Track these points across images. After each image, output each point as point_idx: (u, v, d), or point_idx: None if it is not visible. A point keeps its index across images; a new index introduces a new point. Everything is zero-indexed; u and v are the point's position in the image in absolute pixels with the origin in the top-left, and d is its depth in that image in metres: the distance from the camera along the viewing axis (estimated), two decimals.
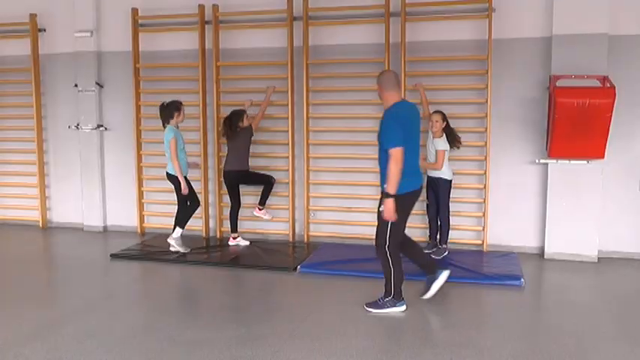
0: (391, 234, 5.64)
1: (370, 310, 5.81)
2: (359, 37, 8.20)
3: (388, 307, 5.78)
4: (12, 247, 8.71)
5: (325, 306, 5.97)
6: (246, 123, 8.02)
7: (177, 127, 7.85)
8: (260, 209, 8.33)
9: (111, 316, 5.80)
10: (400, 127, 5.46)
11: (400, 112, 5.60)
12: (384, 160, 5.56)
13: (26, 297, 6.33)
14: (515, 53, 7.72)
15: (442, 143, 7.39)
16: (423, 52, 7.96)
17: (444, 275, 6.00)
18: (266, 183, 8.25)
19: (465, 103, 7.93)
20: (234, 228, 8.30)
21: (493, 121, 7.74)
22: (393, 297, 5.80)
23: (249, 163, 8.21)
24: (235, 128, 7.96)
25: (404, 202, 5.59)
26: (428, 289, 5.99)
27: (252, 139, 8.22)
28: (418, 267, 6.15)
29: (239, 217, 8.35)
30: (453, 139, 7.48)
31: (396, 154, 5.39)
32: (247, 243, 8.30)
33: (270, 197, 8.42)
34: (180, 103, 7.86)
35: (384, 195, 5.50)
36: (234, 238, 8.30)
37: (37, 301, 6.23)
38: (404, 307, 5.78)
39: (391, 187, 5.42)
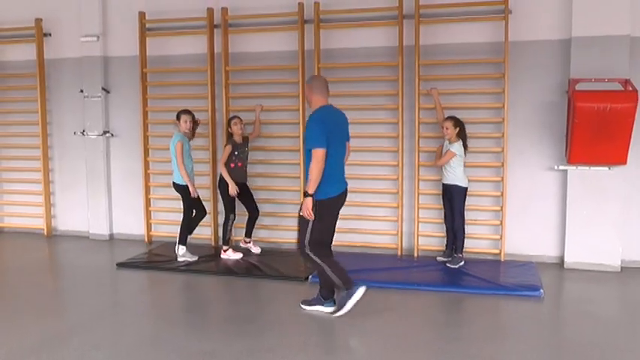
0: (311, 235, 5.81)
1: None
2: (372, 40, 8.21)
3: (345, 300, 5.75)
4: (16, 256, 8.76)
5: (336, 318, 5.92)
6: (231, 130, 8.04)
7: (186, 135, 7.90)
8: (247, 242, 8.42)
9: (117, 328, 5.82)
10: (323, 130, 5.64)
11: (325, 116, 5.81)
12: (307, 163, 5.75)
13: (31, 307, 6.36)
14: (533, 56, 7.70)
15: (456, 146, 7.38)
16: (437, 56, 7.96)
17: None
18: (252, 213, 8.31)
19: (481, 107, 7.91)
20: (225, 239, 8.26)
21: (510, 126, 7.72)
22: (346, 288, 5.77)
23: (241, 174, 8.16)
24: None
25: (329, 207, 5.84)
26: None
27: (260, 145, 8.26)
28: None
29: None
30: (465, 146, 7.47)
31: (317, 154, 5.58)
32: (240, 256, 8.18)
33: (281, 205, 8.42)
34: (182, 112, 7.88)
35: (304, 194, 5.71)
36: (225, 251, 8.24)
37: (41, 311, 6.25)
38: (362, 290, 5.76)
39: (311, 187, 5.64)
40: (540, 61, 7.68)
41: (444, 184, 7.61)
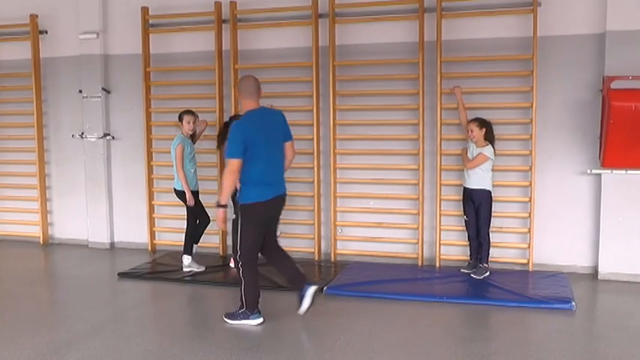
0: (241, 244, 6.00)
1: (226, 320, 6.17)
2: (390, 36, 8.20)
3: (240, 319, 6.12)
4: (11, 265, 8.78)
5: (354, 331, 5.91)
6: None
7: (190, 138, 7.93)
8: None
9: (118, 342, 5.80)
10: (241, 139, 5.79)
11: (248, 122, 5.96)
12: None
13: (25, 320, 6.35)
14: (564, 52, 7.66)
15: (488, 150, 7.37)
16: (461, 52, 7.94)
17: (311, 290, 6.09)
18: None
19: (508, 107, 7.87)
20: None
21: (539, 127, 7.68)
22: (245, 309, 6.10)
23: None
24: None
25: (253, 212, 5.96)
26: (300, 304, 6.12)
27: None
28: (286, 281, 6.49)
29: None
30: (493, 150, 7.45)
31: (229, 165, 5.79)
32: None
33: (294, 212, 8.42)
34: (184, 112, 7.88)
35: (216, 205, 5.95)
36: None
37: (37, 324, 6.24)
38: (259, 321, 6.11)
39: (222, 198, 5.89)
40: (572, 58, 7.64)
41: (466, 189, 7.58)
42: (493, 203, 7.56)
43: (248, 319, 6.10)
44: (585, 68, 7.59)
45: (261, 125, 5.97)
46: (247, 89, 6.07)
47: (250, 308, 6.11)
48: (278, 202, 6.18)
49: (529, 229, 7.81)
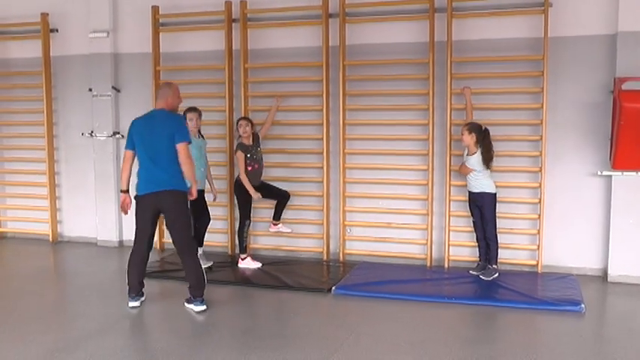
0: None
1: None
2: (401, 36, 8.20)
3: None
4: (20, 263, 8.84)
5: (362, 332, 5.93)
6: (237, 133, 8.10)
7: (198, 137, 7.95)
8: (275, 224, 8.39)
9: (126, 340, 5.86)
10: (130, 134, 6.63)
11: (138, 120, 6.68)
12: None
13: (34, 317, 6.39)
14: (575, 53, 7.64)
15: (472, 160, 7.39)
16: (471, 52, 7.93)
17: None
18: (281, 198, 8.32)
19: (518, 108, 7.87)
20: (242, 247, 8.30)
21: (549, 128, 7.67)
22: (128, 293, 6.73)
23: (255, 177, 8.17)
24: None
25: (137, 203, 6.55)
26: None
27: (282, 147, 8.36)
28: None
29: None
30: (488, 158, 7.39)
31: (124, 155, 6.70)
32: (259, 265, 8.22)
33: (303, 211, 8.46)
34: (187, 110, 7.88)
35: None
36: (243, 259, 8.29)
37: (45, 322, 6.28)
38: (132, 304, 6.67)
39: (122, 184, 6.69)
40: (583, 59, 7.62)
41: (470, 193, 7.59)
42: (502, 204, 7.59)
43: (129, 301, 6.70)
44: (596, 69, 7.57)
45: (145, 126, 6.56)
46: (158, 93, 6.89)
47: (129, 291, 6.68)
48: (153, 199, 6.48)
49: (538, 231, 7.79)
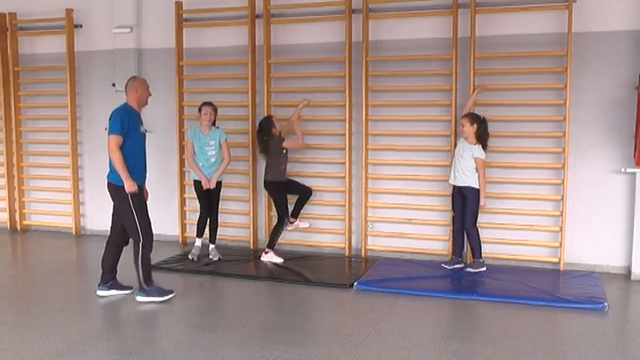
0: None
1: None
2: (424, 32, 8.19)
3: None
4: (44, 256, 8.93)
5: (384, 328, 5.94)
6: (275, 131, 8.12)
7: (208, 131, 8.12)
8: (292, 223, 8.43)
9: (149, 332, 5.91)
10: None
11: None
12: None
13: (58, 309, 6.47)
14: (599, 48, 7.60)
15: (478, 151, 7.42)
16: (494, 48, 7.92)
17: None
18: (303, 194, 8.36)
19: (541, 104, 7.84)
20: (272, 243, 8.37)
21: (572, 124, 7.64)
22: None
23: (284, 174, 8.28)
24: (265, 137, 8.12)
25: None
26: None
27: (306, 142, 8.43)
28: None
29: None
30: (485, 147, 7.49)
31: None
32: (281, 260, 8.25)
33: (325, 207, 8.50)
34: (202, 104, 8.11)
35: None
36: (266, 253, 8.34)
37: (69, 313, 6.37)
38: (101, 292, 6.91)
39: None
40: (607, 55, 7.57)
41: (455, 187, 7.63)
42: (524, 201, 7.69)
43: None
44: (621, 65, 7.53)
45: None
46: None
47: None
48: (107, 187, 6.85)
49: (561, 228, 7.77)
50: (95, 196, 10.00)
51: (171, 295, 6.77)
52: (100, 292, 6.88)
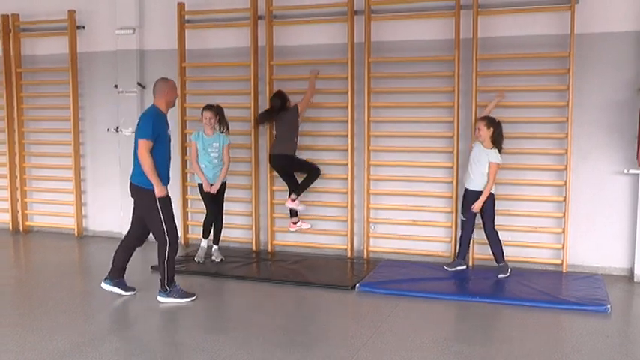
0: None
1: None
2: (426, 33, 8.18)
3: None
4: (46, 256, 8.94)
5: (386, 329, 5.94)
6: (289, 103, 8.24)
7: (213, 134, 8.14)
8: (293, 200, 8.39)
9: (152, 333, 5.92)
10: None
11: None
12: None
13: (61, 310, 6.48)
14: (602, 50, 7.59)
15: (494, 155, 7.35)
16: (496, 49, 7.90)
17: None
18: (310, 172, 8.36)
19: (543, 106, 7.83)
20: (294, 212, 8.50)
21: (575, 126, 7.61)
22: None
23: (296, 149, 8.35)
24: (281, 108, 8.19)
25: None
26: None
27: (307, 144, 8.43)
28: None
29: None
30: (500, 151, 7.43)
31: None
32: (309, 226, 8.51)
33: (327, 208, 8.48)
34: (203, 108, 8.12)
35: None
36: (295, 224, 8.49)
37: (72, 314, 6.38)
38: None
39: None
40: (610, 56, 7.56)
41: (467, 190, 7.59)
42: (527, 202, 7.69)
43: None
44: (623, 66, 7.51)
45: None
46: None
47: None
48: (130, 188, 6.85)
49: (563, 229, 7.75)
50: (97, 198, 10.03)
51: (192, 298, 6.78)
52: (105, 286, 6.93)
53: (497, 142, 7.40)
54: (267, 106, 8.47)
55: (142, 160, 6.52)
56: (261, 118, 8.44)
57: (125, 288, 6.95)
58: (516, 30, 7.85)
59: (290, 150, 8.27)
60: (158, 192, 6.58)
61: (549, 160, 7.85)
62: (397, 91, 8.30)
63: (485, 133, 7.35)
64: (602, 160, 7.69)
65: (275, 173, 8.61)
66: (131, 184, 6.78)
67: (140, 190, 6.68)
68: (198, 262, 8.22)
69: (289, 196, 8.35)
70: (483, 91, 7.85)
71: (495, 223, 7.53)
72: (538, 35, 7.78)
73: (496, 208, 7.64)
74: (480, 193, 7.45)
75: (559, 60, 7.70)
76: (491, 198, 7.47)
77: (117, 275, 6.96)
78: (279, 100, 8.24)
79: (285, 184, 8.46)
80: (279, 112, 8.23)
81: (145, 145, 6.50)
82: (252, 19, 8.66)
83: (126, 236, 7.10)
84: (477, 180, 7.48)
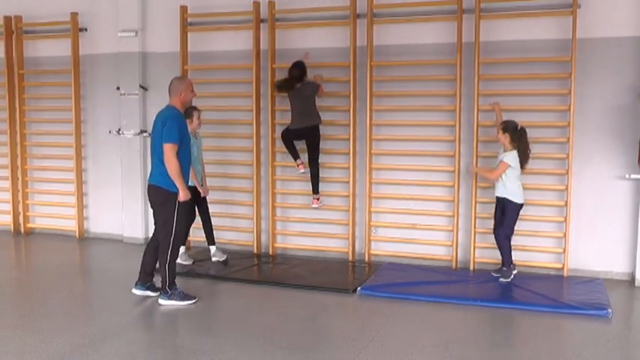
0: None
1: None
2: (429, 37, 8.18)
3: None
4: (47, 258, 8.94)
5: (387, 333, 5.93)
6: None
7: (195, 135, 8.04)
8: (318, 199, 8.49)
9: (152, 335, 5.91)
10: None
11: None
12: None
13: (61, 312, 6.48)
14: (603, 54, 7.58)
15: (509, 157, 7.24)
16: (498, 53, 7.90)
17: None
18: (313, 163, 8.39)
19: (545, 110, 7.83)
20: (316, 188, 8.49)
21: (576, 130, 7.61)
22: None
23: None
24: (299, 79, 8.15)
25: None
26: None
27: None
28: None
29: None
30: (523, 159, 7.29)
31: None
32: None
33: (329, 211, 8.53)
34: (193, 109, 7.91)
35: None
36: (318, 200, 8.52)
37: (72, 316, 6.37)
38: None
39: None
40: (611, 61, 7.55)
41: (497, 197, 7.50)
42: (528, 207, 7.54)
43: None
44: (625, 71, 7.51)
45: (154, 121, 6.78)
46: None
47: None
48: (148, 190, 6.83)
49: (565, 234, 7.74)
50: (99, 199, 10.02)
51: (193, 301, 6.78)
52: (137, 291, 6.96)
53: (519, 147, 7.26)
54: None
55: (169, 164, 6.47)
56: (279, 86, 8.39)
57: (155, 290, 6.95)
58: (518, 34, 7.84)
59: (317, 120, 8.25)
60: (182, 196, 6.55)
61: (551, 164, 7.84)
62: (399, 94, 8.29)
63: (502, 138, 7.29)
64: (604, 164, 7.68)
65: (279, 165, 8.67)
66: (150, 185, 6.75)
67: (160, 191, 6.64)
68: (221, 261, 8.25)
69: (313, 194, 8.45)
70: (485, 95, 7.83)
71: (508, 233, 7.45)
72: (540, 40, 7.77)
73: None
74: (502, 199, 7.38)
75: (561, 64, 7.69)
76: (516, 206, 7.37)
77: (148, 280, 6.99)
78: (298, 70, 8.17)
79: (293, 156, 8.48)
80: (297, 85, 8.18)
81: (172, 149, 6.47)
82: (255, 22, 8.67)
83: (151, 240, 7.07)
84: (498, 186, 7.43)
